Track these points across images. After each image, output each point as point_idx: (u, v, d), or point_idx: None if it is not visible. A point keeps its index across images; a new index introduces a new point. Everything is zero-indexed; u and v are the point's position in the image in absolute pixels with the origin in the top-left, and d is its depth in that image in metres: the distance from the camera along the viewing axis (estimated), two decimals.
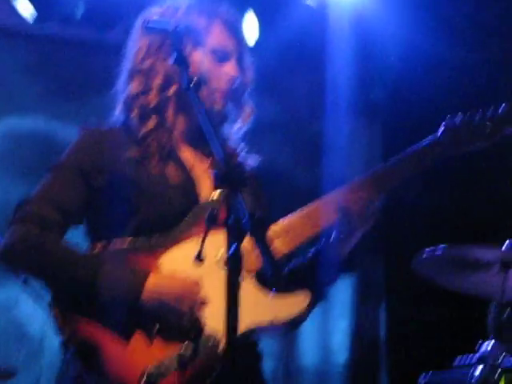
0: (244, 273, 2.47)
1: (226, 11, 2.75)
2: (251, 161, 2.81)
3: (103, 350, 2.45)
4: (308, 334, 5.76)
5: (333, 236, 2.68)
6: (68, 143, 2.71)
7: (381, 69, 5.88)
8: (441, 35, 5.21)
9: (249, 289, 2.53)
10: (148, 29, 2.54)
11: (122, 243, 2.55)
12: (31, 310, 4.98)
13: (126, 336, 2.47)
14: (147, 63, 2.69)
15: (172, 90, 2.67)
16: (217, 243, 2.36)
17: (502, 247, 3.62)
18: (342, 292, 5.84)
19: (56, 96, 5.33)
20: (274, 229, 2.63)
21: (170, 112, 2.69)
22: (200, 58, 2.55)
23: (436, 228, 5.30)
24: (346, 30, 5.26)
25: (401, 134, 5.49)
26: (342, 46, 5.27)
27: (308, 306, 2.58)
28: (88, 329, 2.46)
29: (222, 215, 2.16)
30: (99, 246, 2.56)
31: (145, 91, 2.68)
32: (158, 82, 2.68)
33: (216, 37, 2.70)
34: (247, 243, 2.12)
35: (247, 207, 2.10)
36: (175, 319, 2.47)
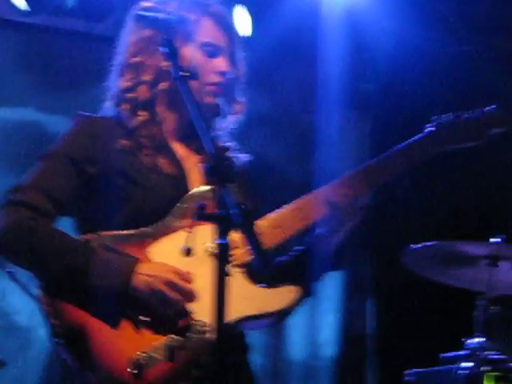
0: (233, 265, 2.49)
1: (216, 6, 2.76)
2: (242, 157, 2.82)
3: (91, 337, 2.45)
4: (296, 328, 5.77)
5: (320, 231, 2.69)
6: (58, 134, 2.70)
7: (372, 63, 5.89)
8: (432, 29, 5.22)
9: (237, 281, 2.53)
10: (140, 17, 2.53)
11: (111, 234, 2.55)
12: (18, 302, 4.97)
13: (114, 323, 2.47)
14: (138, 58, 2.70)
15: (162, 86, 2.68)
16: (205, 235, 2.37)
17: (489, 242, 3.64)
18: (330, 287, 5.85)
19: (46, 87, 5.31)
20: (264, 222, 2.63)
21: (160, 108, 2.71)
22: (190, 53, 2.56)
23: (425, 224, 5.32)
24: (338, 24, 5.26)
25: (392, 127, 5.51)
26: (334, 40, 5.27)
27: (296, 298, 2.59)
28: (76, 315, 2.46)
29: (211, 208, 2.16)
30: (87, 237, 2.56)
31: (135, 86, 2.69)
32: (148, 77, 2.69)
33: (206, 31, 2.70)
34: (236, 236, 2.12)
35: (236, 200, 2.10)
36: (164, 307, 2.47)
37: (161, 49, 2.38)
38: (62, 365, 2.51)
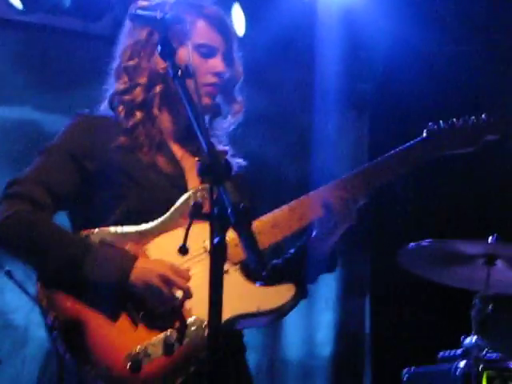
0: (229, 263, 2.50)
1: (211, 8, 2.77)
2: (238, 161, 2.82)
3: (89, 331, 2.45)
4: (293, 327, 5.77)
5: (315, 233, 2.71)
6: (55, 133, 2.71)
7: (369, 62, 5.89)
8: (429, 29, 5.23)
9: (234, 279, 2.55)
10: (136, 16, 2.54)
11: (110, 231, 2.55)
12: (15, 301, 4.96)
13: (113, 317, 2.48)
14: (133, 61, 2.71)
15: (157, 88, 2.70)
16: (202, 233, 2.37)
17: (486, 241, 3.65)
18: (327, 286, 5.85)
19: (43, 86, 5.31)
20: (260, 222, 2.64)
21: (155, 110, 2.72)
22: (186, 54, 2.56)
23: (422, 224, 5.32)
24: (335, 23, 5.26)
25: (389, 127, 5.51)
26: (331, 40, 5.27)
27: (292, 297, 2.60)
28: (74, 308, 2.47)
29: (207, 207, 2.17)
30: (85, 233, 2.56)
31: (131, 88, 2.71)
32: (143, 80, 2.70)
33: (201, 33, 2.72)
34: (233, 234, 2.13)
35: (232, 199, 2.11)
36: (160, 303, 2.48)
37: (158, 47, 2.38)
38: (59, 363, 2.50)
